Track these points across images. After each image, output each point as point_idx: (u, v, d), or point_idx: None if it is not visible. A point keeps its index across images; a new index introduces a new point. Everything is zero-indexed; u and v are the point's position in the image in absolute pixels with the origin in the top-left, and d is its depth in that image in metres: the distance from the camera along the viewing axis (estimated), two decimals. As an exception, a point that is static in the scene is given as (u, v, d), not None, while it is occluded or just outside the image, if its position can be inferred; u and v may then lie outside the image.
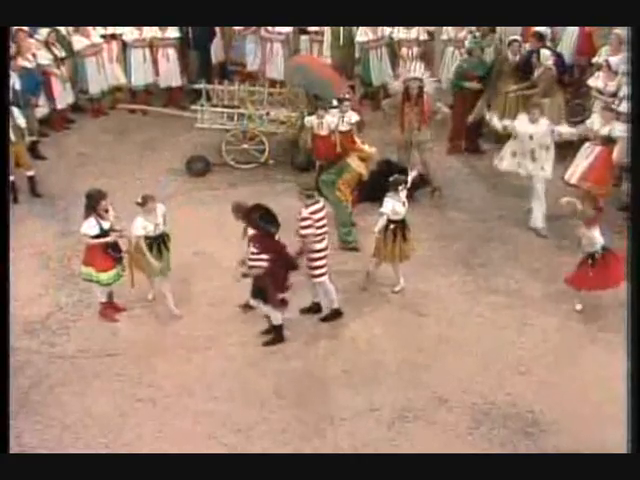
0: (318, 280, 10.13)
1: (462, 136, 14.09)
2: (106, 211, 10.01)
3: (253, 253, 9.51)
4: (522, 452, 8.38)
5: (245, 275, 9.65)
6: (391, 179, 10.56)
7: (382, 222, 10.45)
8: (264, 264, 9.43)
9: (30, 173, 12.99)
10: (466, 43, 14.49)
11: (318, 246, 9.91)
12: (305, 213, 9.76)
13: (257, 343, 9.95)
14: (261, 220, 9.45)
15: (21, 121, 12.59)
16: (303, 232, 9.73)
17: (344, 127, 12.53)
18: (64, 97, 14.99)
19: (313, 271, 10.03)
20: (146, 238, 10.03)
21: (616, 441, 8.03)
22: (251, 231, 9.63)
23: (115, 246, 10.12)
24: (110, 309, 10.42)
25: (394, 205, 10.42)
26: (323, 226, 9.98)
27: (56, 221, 12.36)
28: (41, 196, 13.05)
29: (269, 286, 9.52)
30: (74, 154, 14.42)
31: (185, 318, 10.36)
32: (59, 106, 14.92)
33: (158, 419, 8.88)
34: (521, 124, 11.73)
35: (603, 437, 8.41)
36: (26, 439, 8.57)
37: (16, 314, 9.82)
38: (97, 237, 9.92)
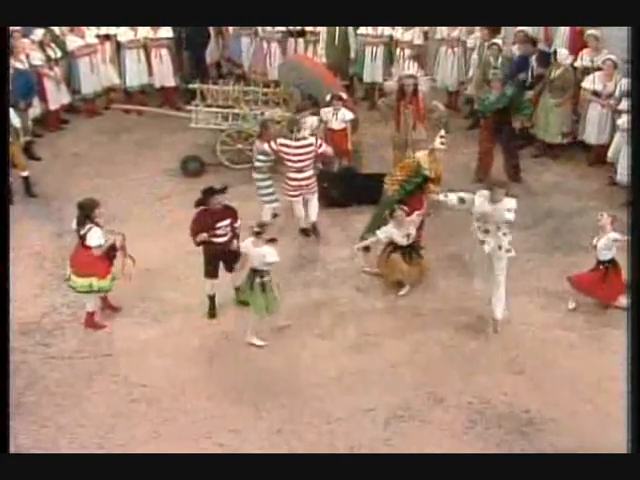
0: (289, 199, 11.84)
1: (491, 164, 13.38)
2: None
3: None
4: (518, 452, 8.38)
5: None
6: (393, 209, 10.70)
7: (367, 242, 10.90)
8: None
9: (25, 174, 12.97)
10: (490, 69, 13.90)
11: (292, 175, 11.53)
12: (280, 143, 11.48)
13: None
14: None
15: (16, 121, 12.58)
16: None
17: (337, 125, 12.55)
18: (57, 98, 14.95)
19: (287, 192, 11.76)
20: (253, 271, 9.76)
21: (613, 441, 8.06)
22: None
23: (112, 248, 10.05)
24: (94, 318, 10.26)
25: (392, 233, 10.63)
26: (303, 160, 11.42)
27: (51, 222, 12.34)
28: (36, 196, 13.03)
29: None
30: (69, 154, 14.41)
31: (179, 317, 10.35)
32: (52, 107, 14.90)
33: (153, 419, 8.87)
34: (481, 202, 9.92)
35: (600, 437, 8.43)
36: (21, 440, 8.55)
37: (11, 314, 9.77)
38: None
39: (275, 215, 12.11)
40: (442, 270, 11.23)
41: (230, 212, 10.17)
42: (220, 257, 10.22)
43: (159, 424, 8.80)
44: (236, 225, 10.19)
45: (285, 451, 8.42)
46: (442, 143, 11.11)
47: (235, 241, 10.18)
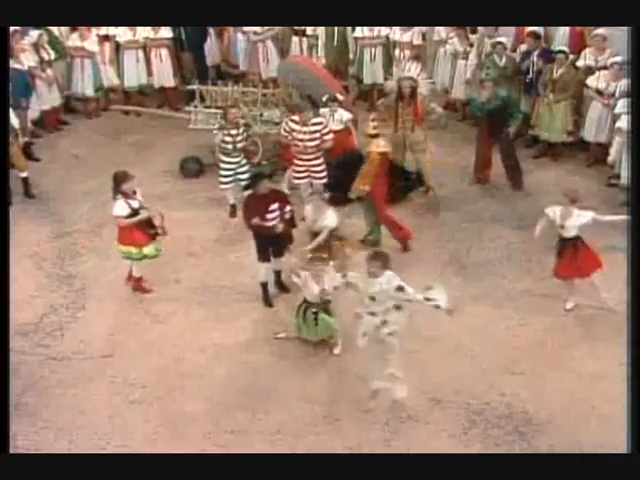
0: (295, 181, 12.24)
1: (489, 165, 13.31)
2: (134, 192, 10.39)
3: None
4: (516, 452, 8.38)
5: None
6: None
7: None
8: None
9: (24, 174, 12.97)
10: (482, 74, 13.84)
11: (298, 155, 11.98)
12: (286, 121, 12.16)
13: (251, 344, 9.95)
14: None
15: (15, 122, 12.58)
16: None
17: (335, 126, 12.57)
18: (47, 99, 14.93)
19: (293, 174, 12.24)
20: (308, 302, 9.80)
21: (612, 441, 8.06)
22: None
23: (148, 223, 10.51)
24: (140, 283, 10.85)
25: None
26: (305, 140, 11.81)
27: (50, 222, 12.36)
28: (35, 197, 13.04)
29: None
30: (67, 155, 14.41)
31: (179, 319, 10.35)
32: (42, 107, 14.88)
33: (152, 420, 8.87)
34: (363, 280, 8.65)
35: (599, 437, 8.42)
36: (20, 441, 8.55)
37: (10, 316, 9.77)
38: (130, 216, 10.33)
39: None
40: (438, 270, 11.22)
41: (279, 196, 10.43)
42: (271, 241, 10.35)
43: (159, 424, 8.79)
44: (286, 210, 10.35)
45: (283, 451, 8.42)
46: (374, 127, 11.84)
47: (280, 225, 10.27)
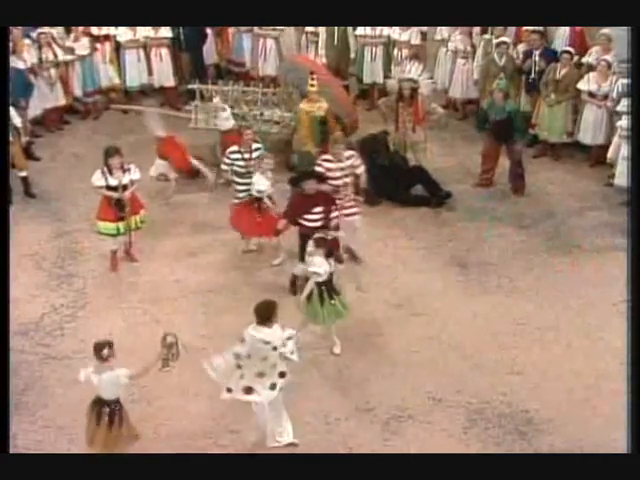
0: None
1: (493, 171, 13.21)
2: (123, 170, 10.81)
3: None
4: (517, 452, 8.38)
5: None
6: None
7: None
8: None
9: (23, 173, 12.96)
10: (493, 85, 13.36)
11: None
12: None
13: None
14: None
15: (17, 120, 12.57)
16: None
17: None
18: (51, 99, 14.92)
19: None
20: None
21: (612, 441, 8.07)
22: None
23: (119, 203, 10.87)
24: (115, 259, 11.23)
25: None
26: (342, 176, 10.81)
27: (50, 222, 12.35)
28: (35, 197, 13.03)
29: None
30: (68, 155, 14.39)
31: (179, 318, 10.34)
32: (45, 106, 14.87)
33: (153, 420, 8.85)
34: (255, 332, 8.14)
35: (599, 437, 8.42)
36: (20, 440, 8.54)
37: (10, 315, 9.77)
38: (107, 189, 10.84)
39: None
40: (439, 270, 11.23)
41: (326, 199, 10.26)
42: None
43: (159, 425, 8.79)
44: (332, 215, 10.24)
45: (284, 451, 8.41)
46: (312, 85, 12.41)
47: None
